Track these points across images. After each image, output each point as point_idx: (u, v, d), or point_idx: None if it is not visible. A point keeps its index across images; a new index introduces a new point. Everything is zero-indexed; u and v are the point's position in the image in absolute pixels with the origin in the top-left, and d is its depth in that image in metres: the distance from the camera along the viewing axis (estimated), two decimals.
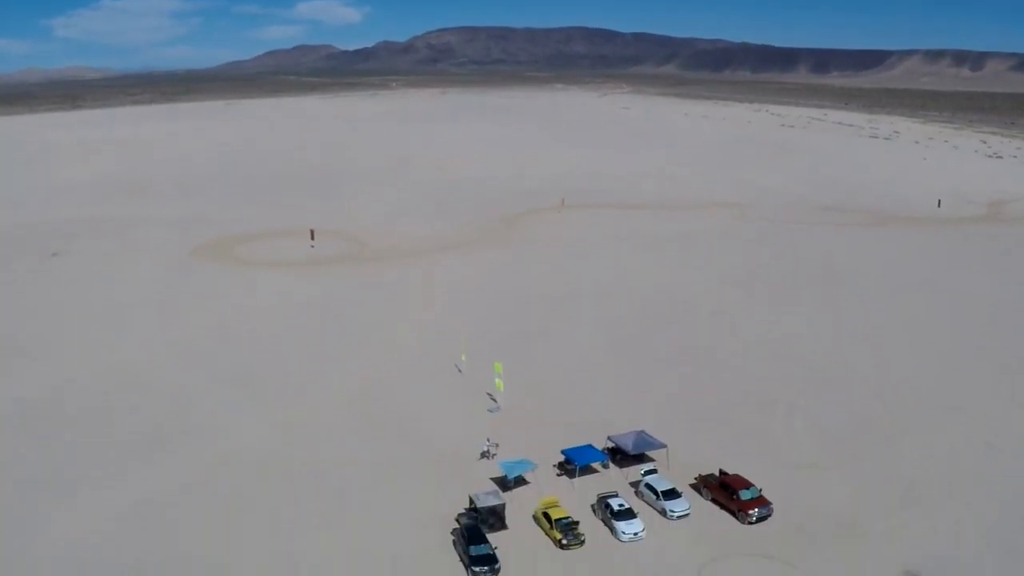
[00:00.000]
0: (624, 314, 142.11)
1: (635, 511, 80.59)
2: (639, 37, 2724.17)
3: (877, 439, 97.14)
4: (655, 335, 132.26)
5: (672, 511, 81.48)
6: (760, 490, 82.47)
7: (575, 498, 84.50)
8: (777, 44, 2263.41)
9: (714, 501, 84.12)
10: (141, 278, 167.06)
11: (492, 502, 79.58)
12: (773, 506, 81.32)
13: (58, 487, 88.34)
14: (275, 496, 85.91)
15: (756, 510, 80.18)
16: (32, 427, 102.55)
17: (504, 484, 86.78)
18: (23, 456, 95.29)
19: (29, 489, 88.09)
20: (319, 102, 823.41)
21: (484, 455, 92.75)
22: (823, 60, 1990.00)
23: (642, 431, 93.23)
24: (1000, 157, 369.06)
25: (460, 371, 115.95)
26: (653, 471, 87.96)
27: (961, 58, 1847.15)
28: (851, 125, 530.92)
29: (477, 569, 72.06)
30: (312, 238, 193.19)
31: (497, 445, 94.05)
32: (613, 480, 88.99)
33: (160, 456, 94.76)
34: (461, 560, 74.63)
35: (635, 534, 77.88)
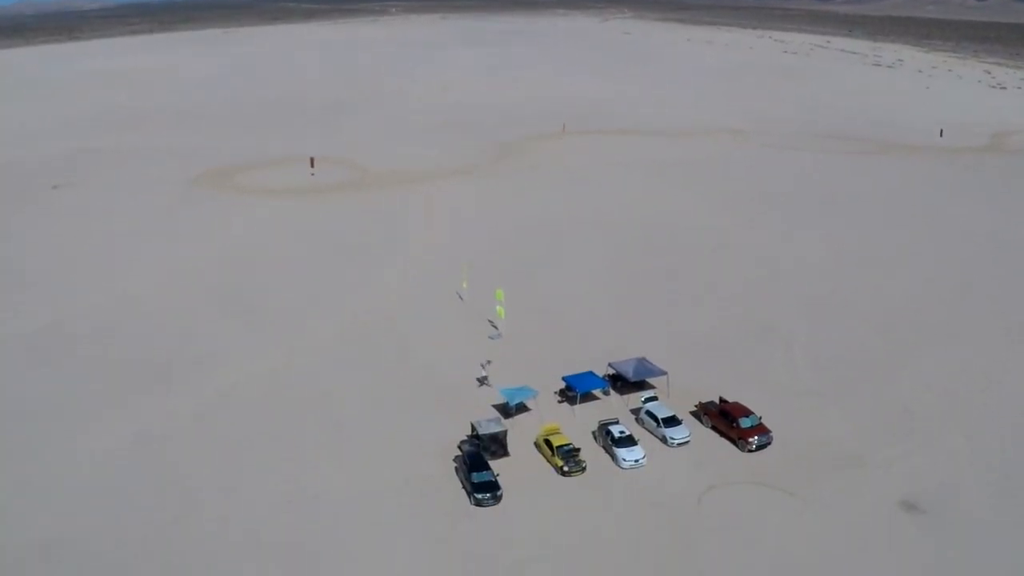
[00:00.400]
0: (625, 241, 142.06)
1: (636, 438, 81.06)
2: None
3: (876, 369, 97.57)
4: (656, 262, 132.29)
5: (672, 438, 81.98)
6: (760, 418, 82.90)
7: (576, 425, 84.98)
8: None
9: (714, 429, 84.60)
10: (142, 208, 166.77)
11: (494, 429, 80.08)
12: (773, 434, 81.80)
13: (64, 416, 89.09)
14: (279, 425, 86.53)
15: (756, 438, 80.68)
16: (38, 357, 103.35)
17: (505, 411, 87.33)
18: (29, 385, 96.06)
19: (34, 418, 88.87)
20: (318, 28, 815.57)
21: (481, 381, 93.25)
22: None
23: (643, 358, 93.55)
24: (1004, 88, 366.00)
25: (461, 298, 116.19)
26: (653, 398, 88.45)
27: None
28: (855, 53, 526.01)
29: (479, 495, 72.67)
30: (312, 166, 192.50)
31: (490, 362, 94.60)
32: (614, 407, 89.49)
33: (165, 386, 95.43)
34: (463, 487, 75.24)
35: (636, 461, 78.39)
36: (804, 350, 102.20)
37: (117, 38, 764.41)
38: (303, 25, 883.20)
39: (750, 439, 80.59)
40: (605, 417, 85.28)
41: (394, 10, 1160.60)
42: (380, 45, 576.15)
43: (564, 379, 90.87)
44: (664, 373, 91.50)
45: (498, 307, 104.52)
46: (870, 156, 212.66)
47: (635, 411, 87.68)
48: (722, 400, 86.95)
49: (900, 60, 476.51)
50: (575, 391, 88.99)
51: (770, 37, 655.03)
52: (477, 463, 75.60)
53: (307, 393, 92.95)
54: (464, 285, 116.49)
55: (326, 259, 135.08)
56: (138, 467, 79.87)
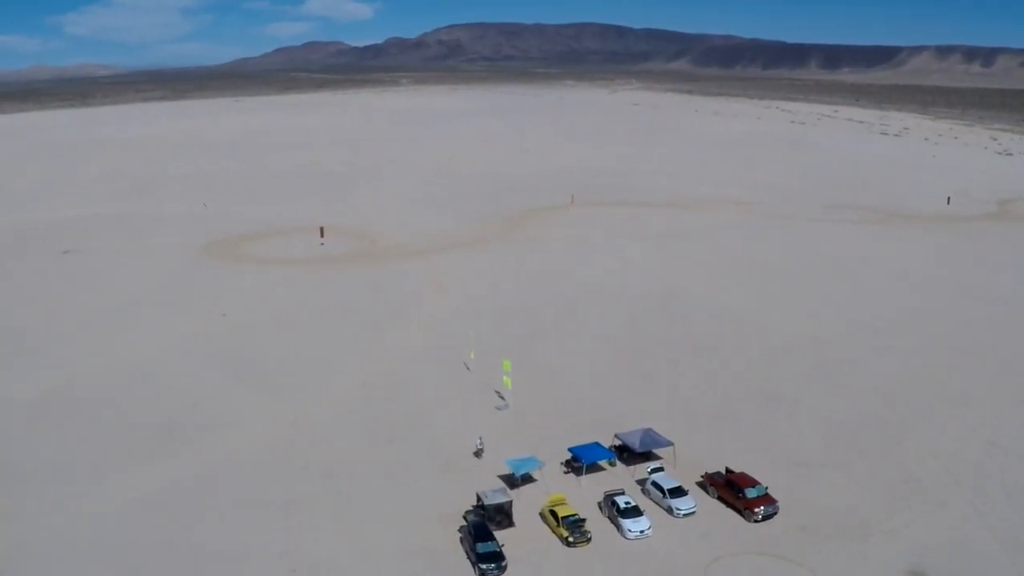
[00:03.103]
0: (632, 311, 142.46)
1: (641, 509, 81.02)
2: (650, 33, 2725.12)
3: (882, 436, 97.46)
4: (662, 332, 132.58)
5: (678, 509, 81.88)
6: (766, 488, 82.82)
7: (582, 496, 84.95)
8: (788, 40, 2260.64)
9: (720, 499, 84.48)
10: (152, 275, 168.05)
11: (499, 499, 79.94)
12: (779, 504, 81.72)
13: (68, 479, 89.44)
14: (285, 491, 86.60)
15: (762, 508, 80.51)
16: (44, 419, 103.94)
17: (511, 482, 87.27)
18: (34, 448, 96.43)
19: (39, 481, 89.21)
20: (329, 99, 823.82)
21: (478, 454, 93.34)
22: (834, 56, 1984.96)
23: (649, 429, 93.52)
24: (1010, 154, 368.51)
25: (468, 369, 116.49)
26: (660, 469, 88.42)
27: (972, 54, 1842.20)
28: (861, 122, 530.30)
29: (484, 566, 72.46)
30: (321, 236, 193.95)
31: (481, 439, 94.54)
32: (620, 478, 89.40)
33: (170, 450, 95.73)
34: (468, 557, 75.07)
35: (641, 532, 78.26)
36: (810, 418, 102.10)
37: (129, 104, 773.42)
38: (314, 95, 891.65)
39: (756, 509, 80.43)
40: (611, 488, 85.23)
41: (405, 81, 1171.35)
42: (391, 115, 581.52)
43: (570, 450, 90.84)
44: (670, 444, 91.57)
45: (505, 378, 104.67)
46: (877, 225, 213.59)
47: (641, 482, 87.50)
48: (728, 470, 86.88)
49: (906, 128, 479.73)
50: (581, 462, 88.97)
51: (777, 107, 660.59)
52: (482, 534, 75.47)
53: (312, 459, 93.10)
54: (471, 355, 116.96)
55: (335, 328, 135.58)
56: (141, 531, 79.98)
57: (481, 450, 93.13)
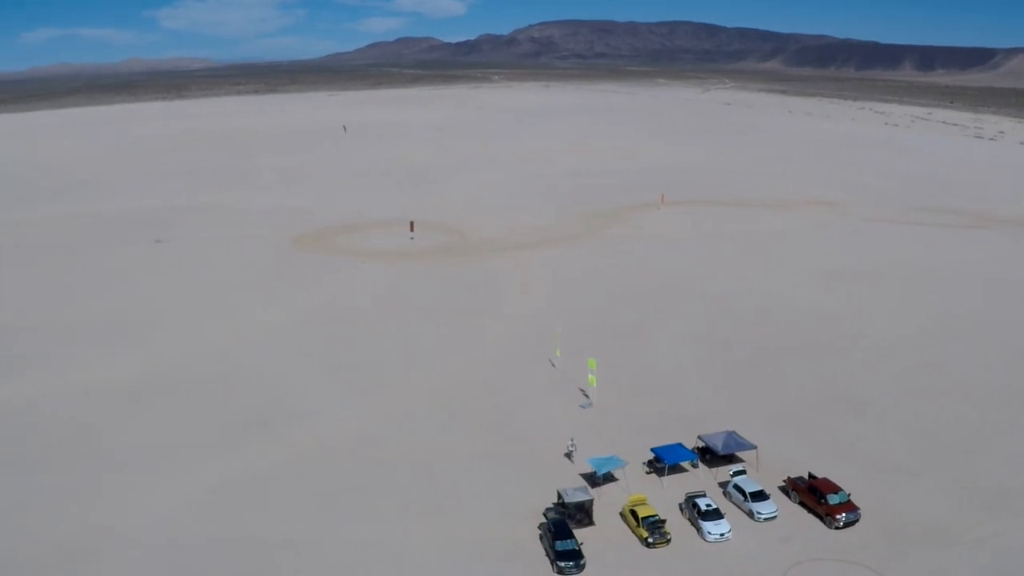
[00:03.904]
0: (718, 312, 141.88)
1: (722, 512, 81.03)
2: (743, 32, 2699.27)
3: (969, 443, 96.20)
4: (748, 334, 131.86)
5: (759, 513, 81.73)
6: (849, 495, 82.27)
7: (663, 496, 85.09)
8: (882, 41, 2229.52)
9: (802, 504, 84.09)
10: (242, 266, 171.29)
11: (580, 498, 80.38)
12: (861, 511, 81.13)
13: (154, 464, 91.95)
14: (368, 483, 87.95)
15: (844, 515, 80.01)
16: (135, 405, 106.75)
17: (593, 480, 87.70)
18: (124, 432, 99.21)
19: (127, 461, 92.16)
20: (421, 94, 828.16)
21: (569, 456, 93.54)
22: (928, 57, 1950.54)
23: (732, 431, 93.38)
24: None
25: (554, 366, 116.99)
26: (742, 472, 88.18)
27: None
28: (955, 124, 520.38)
29: (562, 564, 72.99)
30: (412, 230, 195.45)
31: (573, 440, 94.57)
32: (701, 480, 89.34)
33: (257, 438, 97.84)
34: (547, 554, 75.63)
35: (721, 535, 78.30)
36: (896, 424, 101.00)
37: (224, 97, 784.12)
38: (406, 90, 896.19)
39: (838, 516, 79.96)
40: (692, 490, 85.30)
41: (497, 78, 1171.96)
42: (482, 111, 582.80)
43: (653, 450, 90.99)
44: (753, 447, 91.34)
45: (590, 376, 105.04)
46: (968, 229, 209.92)
47: (723, 484, 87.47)
48: (811, 475, 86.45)
49: (1002, 132, 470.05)
50: (663, 462, 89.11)
51: (871, 109, 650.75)
52: (562, 531, 75.99)
53: (396, 452, 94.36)
54: (557, 353, 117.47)
55: (422, 322, 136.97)
56: (225, 518, 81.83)
57: (573, 452, 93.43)
